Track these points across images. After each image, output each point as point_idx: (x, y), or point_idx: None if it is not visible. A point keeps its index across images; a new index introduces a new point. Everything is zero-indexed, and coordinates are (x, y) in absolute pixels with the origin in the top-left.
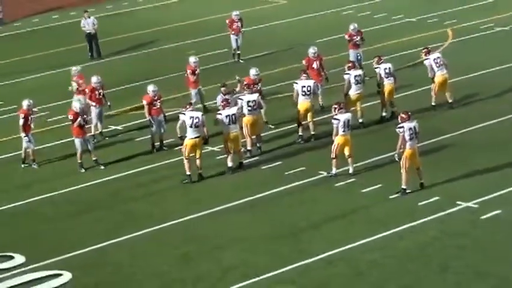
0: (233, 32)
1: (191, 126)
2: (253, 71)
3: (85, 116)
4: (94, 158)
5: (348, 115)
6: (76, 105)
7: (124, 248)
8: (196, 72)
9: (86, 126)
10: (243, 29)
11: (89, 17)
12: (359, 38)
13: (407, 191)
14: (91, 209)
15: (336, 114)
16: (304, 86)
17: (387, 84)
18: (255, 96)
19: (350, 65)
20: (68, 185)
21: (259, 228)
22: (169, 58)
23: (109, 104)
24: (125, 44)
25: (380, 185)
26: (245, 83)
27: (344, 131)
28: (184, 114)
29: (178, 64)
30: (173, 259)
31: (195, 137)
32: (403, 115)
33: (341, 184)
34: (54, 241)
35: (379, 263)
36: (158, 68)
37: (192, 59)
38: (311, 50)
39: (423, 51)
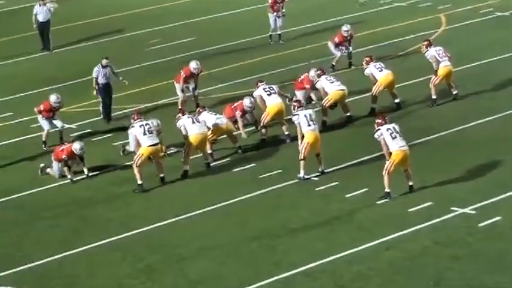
0: (273, 12)
1: (145, 134)
2: (247, 102)
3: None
4: (85, 172)
5: (309, 110)
6: (76, 147)
7: (81, 259)
8: (190, 81)
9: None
10: (283, 10)
11: (44, 4)
12: (348, 41)
13: (392, 194)
14: (45, 216)
15: (295, 112)
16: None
17: (384, 76)
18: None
19: (319, 72)
20: (19, 189)
21: (231, 237)
22: (129, 48)
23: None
24: (79, 33)
25: (365, 189)
26: (239, 113)
27: (309, 125)
28: (133, 126)
29: (139, 55)
30: (136, 271)
31: (153, 145)
32: (378, 120)
33: (322, 188)
34: (2, 252)
35: (365, 276)
36: (117, 59)
37: (193, 64)
38: (312, 74)
39: (424, 43)
